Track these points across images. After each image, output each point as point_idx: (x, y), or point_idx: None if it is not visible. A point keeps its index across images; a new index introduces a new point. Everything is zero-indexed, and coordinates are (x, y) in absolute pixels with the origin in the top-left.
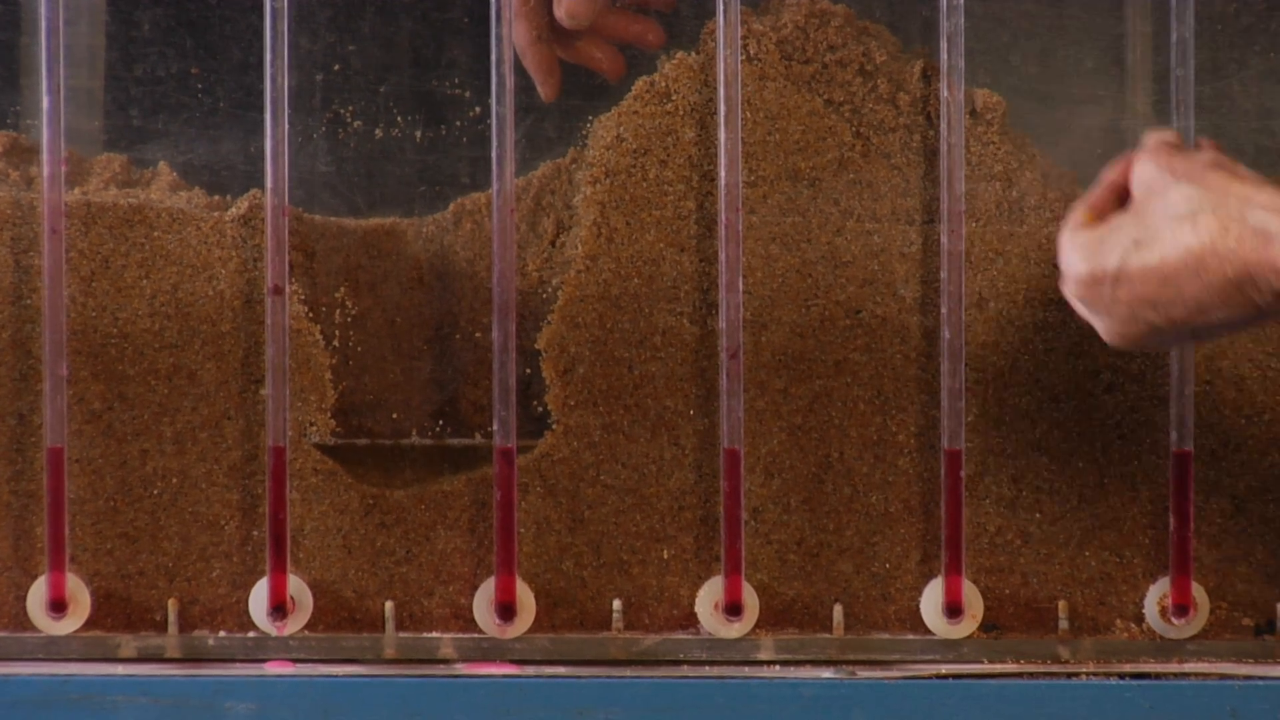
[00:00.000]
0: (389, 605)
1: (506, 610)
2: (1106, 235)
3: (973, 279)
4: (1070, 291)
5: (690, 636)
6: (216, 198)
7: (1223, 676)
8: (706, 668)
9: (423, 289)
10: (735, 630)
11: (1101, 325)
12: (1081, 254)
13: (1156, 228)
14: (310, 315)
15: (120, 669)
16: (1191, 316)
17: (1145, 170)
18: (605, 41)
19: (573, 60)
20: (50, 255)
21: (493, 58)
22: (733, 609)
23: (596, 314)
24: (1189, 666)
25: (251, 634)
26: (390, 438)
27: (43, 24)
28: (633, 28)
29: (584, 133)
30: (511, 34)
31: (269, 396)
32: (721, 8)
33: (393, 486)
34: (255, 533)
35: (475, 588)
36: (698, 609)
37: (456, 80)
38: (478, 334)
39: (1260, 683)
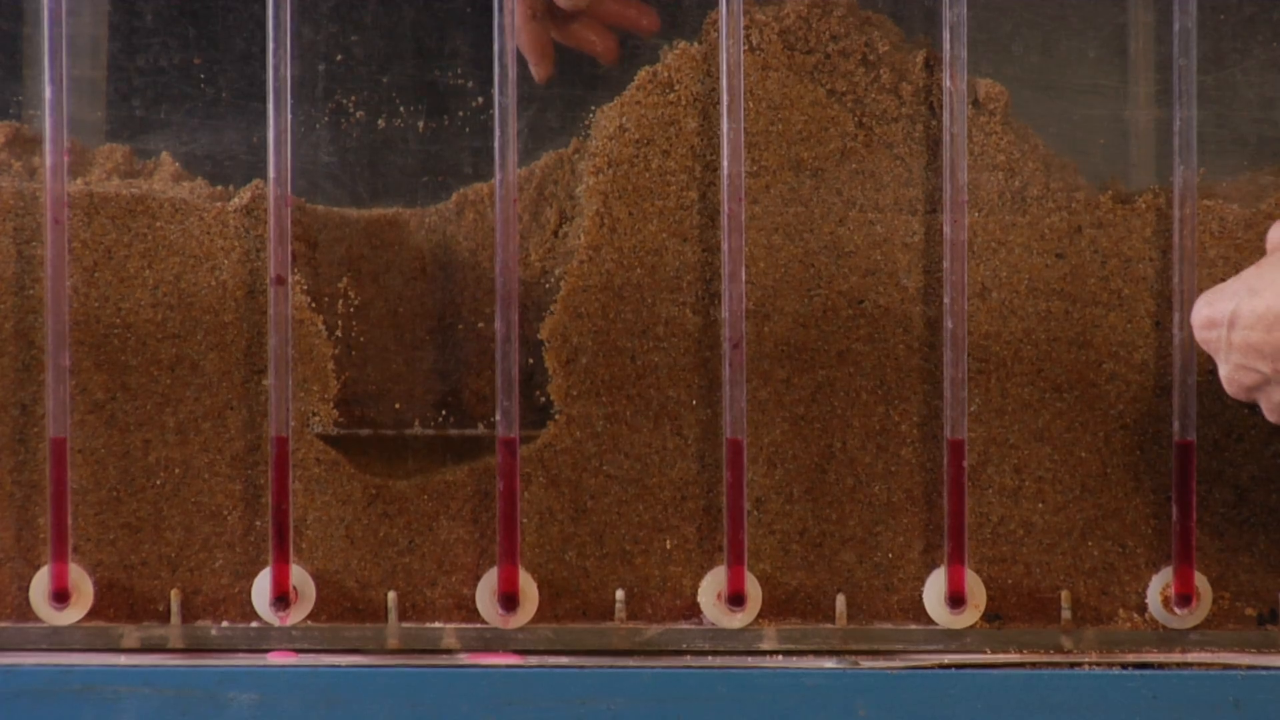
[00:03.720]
0: (392, 595)
1: (509, 600)
2: (1229, 284)
3: (975, 269)
4: (1196, 336)
5: (693, 626)
6: (219, 188)
7: (1225, 666)
8: (709, 658)
9: (425, 279)
10: (738, 620)
11: (1221, 372)
12: (1205, 300)
13: (1273, 277)
14: (313, 305)
15: (123, 659)
16: None
17: (1276, 231)
18: (600, 25)
19: (567, 42)
20: (53, 246)
21: (495, 48)
22: (735, 599)
23: (599, 304)
24: (1192, 656)
25: (254, 624)
26: (393, 428)
27: (45, 14)
28: (627, 12)
29: (587, 123)
30: (514, 23)
31: (272, 387)
32: None
33: (395, 477)
34: (258, 523)
35: (478, 578)
36: (700, 599)
37: (459, 70)
38: (480, 324)
39: (1263, 673)
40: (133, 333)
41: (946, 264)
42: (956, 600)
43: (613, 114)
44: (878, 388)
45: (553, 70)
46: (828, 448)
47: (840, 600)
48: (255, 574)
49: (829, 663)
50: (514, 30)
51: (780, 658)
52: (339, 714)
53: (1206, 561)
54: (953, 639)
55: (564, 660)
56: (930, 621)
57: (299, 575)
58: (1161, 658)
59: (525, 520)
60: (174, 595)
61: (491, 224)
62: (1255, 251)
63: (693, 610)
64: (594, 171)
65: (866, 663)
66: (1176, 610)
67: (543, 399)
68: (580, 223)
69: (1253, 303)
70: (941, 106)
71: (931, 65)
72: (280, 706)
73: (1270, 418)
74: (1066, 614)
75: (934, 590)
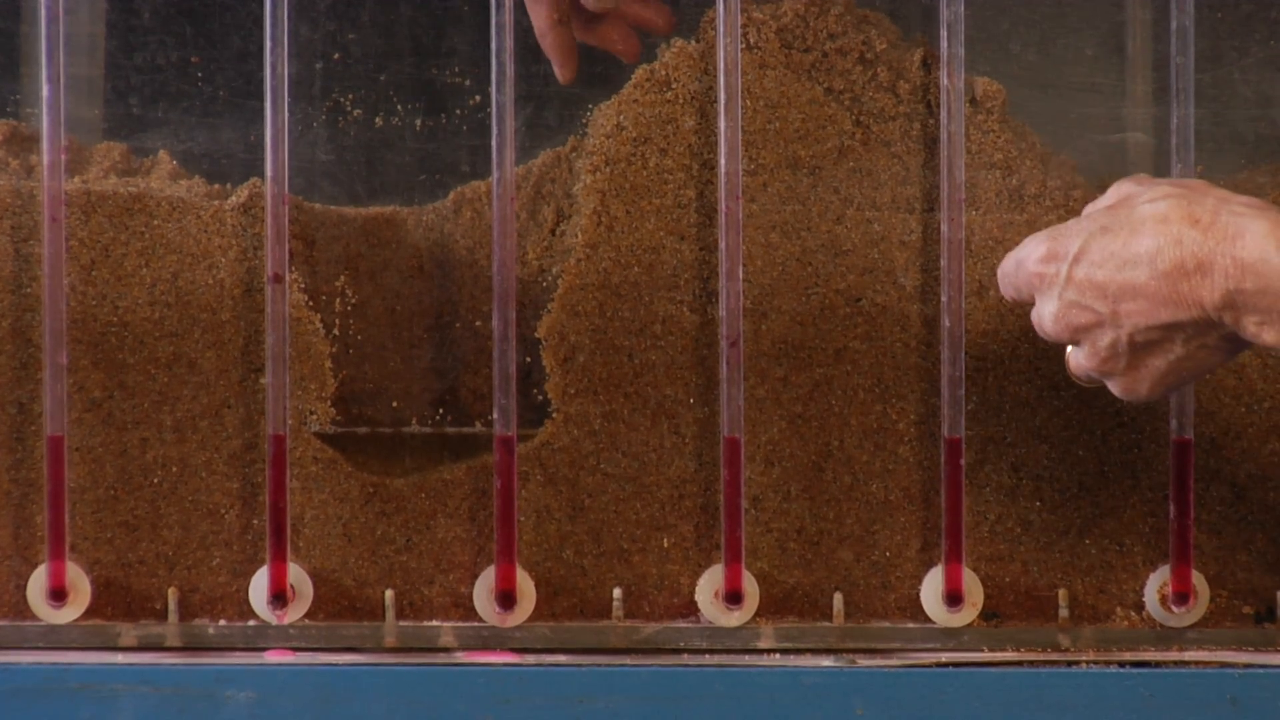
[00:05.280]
0: (389, 593)
1: (507, 598)
2: (1074, 222)
3: (973, 267)
4: (1014, 279)
5: (690, 625)
6: (216, 186)
7: (1223, 664)
8: (707, 656)
9: (423, 277)
10: (735, 618)
11: (1045, 310)
12: (1044, 236)
13: (1127, 217)
14: (310, 304)
15: (120, 657)
16: (1136, 315)
17: (1125, 185)
18: (624, 24)
19: (592, 43)
20: (50, 244)
21: (493, 46)
22: (733, 597)
23: (597, 302)
24: (1189, 655)
25: (252, 622)
26: (390, 426)
27: (43, 12)
28: (646, 13)
29: (584, 121)
30: (511, 21)
31: (269, 385)
32: None
33: (393, 475)
34: (255, 521)
35: (475, 576)
36: (698, 597)
37: (456, 68)
38: (478, 322)
39: (1260, 671)
40: (130, 331)
41: (944, 262)
42: (954, 598)
43: (610, 112)
44: (875, 386)
45: (577, 73)
46: (825, 446)
47: (838, 598)
48: (252, 572)
49: (826, 661)
50: (511, 28)
51: (778, 656)
52: (336, 712)
53: (1204, 560)
54: (950, 637)
55: (561, 659)
56: (928, 620)
57: (296, 573)
58: (1159, 656)
59: (523, 518)
60: (171, 593)
61: (489, 222)
62: None
63: (690, 608)
64: (591, 170)
65: (864, 661)
66: (1174, 608)
67: (540, 397)
68: (578, 221)
69: (1105, 240)
70: (939, 105)
71: (929, 63)
72: (277, 705)
73: (1080, 364)
74: (1064, 612)
75: (931, 588)
